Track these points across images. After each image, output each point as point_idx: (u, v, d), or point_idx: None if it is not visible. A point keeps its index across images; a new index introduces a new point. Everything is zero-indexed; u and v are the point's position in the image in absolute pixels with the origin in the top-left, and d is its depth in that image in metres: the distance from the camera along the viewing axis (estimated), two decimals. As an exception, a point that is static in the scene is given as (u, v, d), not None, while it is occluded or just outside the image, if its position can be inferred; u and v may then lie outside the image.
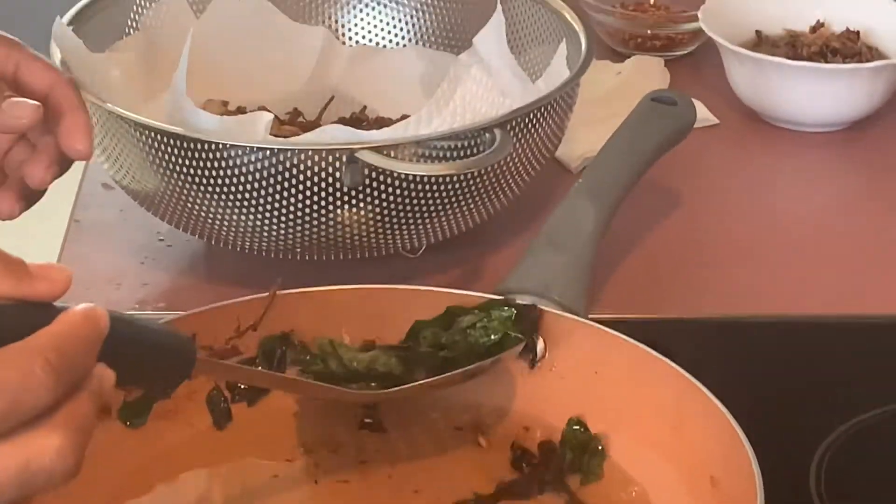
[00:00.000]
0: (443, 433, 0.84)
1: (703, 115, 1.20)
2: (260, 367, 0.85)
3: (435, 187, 0.95)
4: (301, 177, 0.92)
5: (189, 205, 0.96)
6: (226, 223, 0.96)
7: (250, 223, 0.95)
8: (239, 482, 0.81)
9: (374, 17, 1.19)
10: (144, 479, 0.80)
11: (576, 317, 0.85)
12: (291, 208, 0.94)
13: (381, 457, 0.83)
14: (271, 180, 0.93)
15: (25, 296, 0.59)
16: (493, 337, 0.84)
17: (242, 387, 0.85)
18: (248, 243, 0.97)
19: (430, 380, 0.82)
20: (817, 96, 1.18)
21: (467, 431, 0.84)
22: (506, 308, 0.84)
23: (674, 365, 0.81)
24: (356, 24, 1.19)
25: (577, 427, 0.82)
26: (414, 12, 1.18)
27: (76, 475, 0.58)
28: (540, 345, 0.85)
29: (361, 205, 0.94)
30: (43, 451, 0.57)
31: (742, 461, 0.74)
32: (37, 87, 0.82)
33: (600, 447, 0.82)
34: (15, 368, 0.56)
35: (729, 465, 0.76)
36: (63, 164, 0.84)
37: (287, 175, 0.92)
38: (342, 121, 1.12)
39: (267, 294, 0.86)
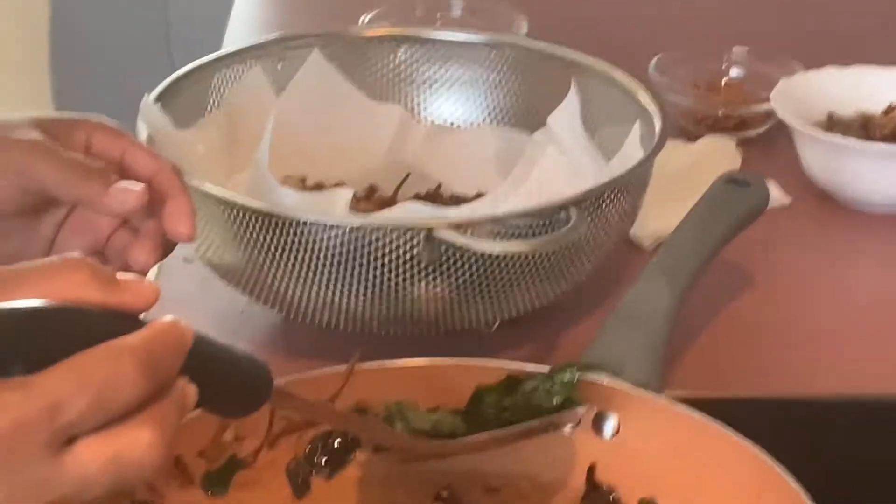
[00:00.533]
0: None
1: (776, 195, 1.21)
2: (338, 440, 0.86)
3: (510, 264, 0.96)
4: (379, 253, 0.94)
5: (269, 279, 0.98)
6: (304, 297, 0.98)
7: (328, 298, 0.97)
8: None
9: (450, 97, 1.20)
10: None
11: (651, 393, 0.86)
12: (369, 284, 0.95)
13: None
14: (350, 256, 0.94)
15: (115, 305, 0.62)
16: (555, 400, 0.84)
17: (323, 459, 0.86)
18: (325, 317, 0.99)
19: (495, 432, 0.82)
20: (890, 178, 1.19)
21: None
22: (569, 371, 0.85)
23: (751, 444, 0.81)
24: (432, 103, 1.21)
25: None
26: (489, 91, 1.20)
27: (164, 469, 0.61)
28: (614, 420, 0.86)
29: (438, 281, 0.95)
30: (133, 443, 0.60)
31: (817, 542, 0.74)
32: (142, 173, 0.84)
33: (675, 526, 0.82)
34: (106, 365, 0.59)
35: (804, 546, 0.76)
36: (166, 247, 0.86)
37: (365, 251, 0.94)
38: (418, 197, 1.13)
39: (346, 367, 0.87)
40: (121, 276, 0.63)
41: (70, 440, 0.59)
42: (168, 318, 0.63)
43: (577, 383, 0.84)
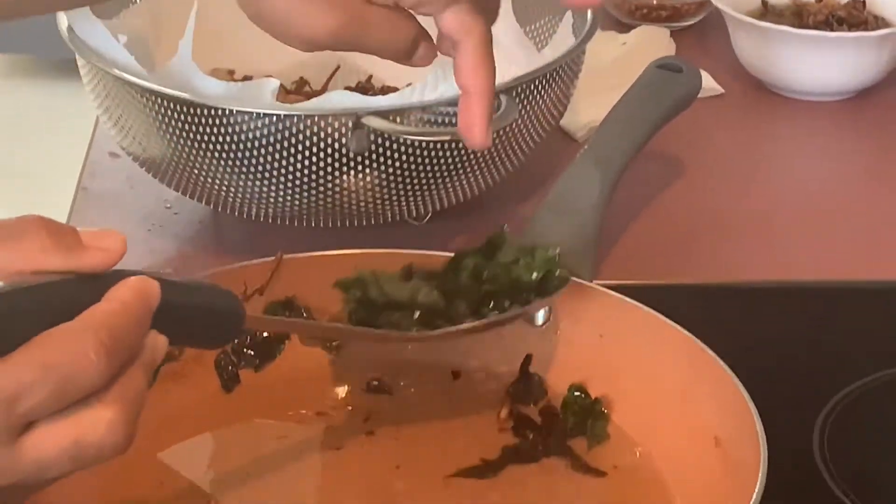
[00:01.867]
0: (448, 398, 0.85)
1: (709, 84, 1.20)
2: (265, 333, 0.85)
3: (440, 153, 0.95)
4: (307, 143, 0.93)
5: (195, 171, 0.96)
6: (232, 189, 0.97)
7: (256, 189, 0.96)
8: (247, 444, 0.82)
9: (380, -13, 1.18)
10: (153, 441, 0.80)
11: (582, 280, 0.86)
12: (297, 174, 0.94)
13: (387, 420, 0.83)
14: (277, 146, 0.93)
15: (77, 268, 0.59)
16: (534, 275, 0.82)
17: (251, 353, 0.85)
18: (254, 210, 0.98)
19: (483, 321, 0.81)
20: (823, 65, 1.19)
21: (468, 397, 0.84)
22: (550, 248, 0.83)
23: (681, 328, 0.81)
24: (362, -6, 1.19)
25: (578, 393, 0.83)
26: (420, -18, 1.18)
27: (127, 448, 0.59)
28: (545, 308, 0.85)
29: (367, 171, 0.94)
30: (95, 426, 0.58)
31: (746, 423, 0.74)
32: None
33: (604, 410, 0.82)
34: (67, 351, 0.57)
35: (733, 427, 0.76)
36: None
37: (293, 141, 0.92)
38: (348, 90, 1.12)
39: (273, 259, 0.86)
40: (83, 232, 0.60)
41: (29, 425, 0.57)
42: (133, 280, 0.60)
43: (558, 259, 0.83)
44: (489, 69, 0.74)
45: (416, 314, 0.81)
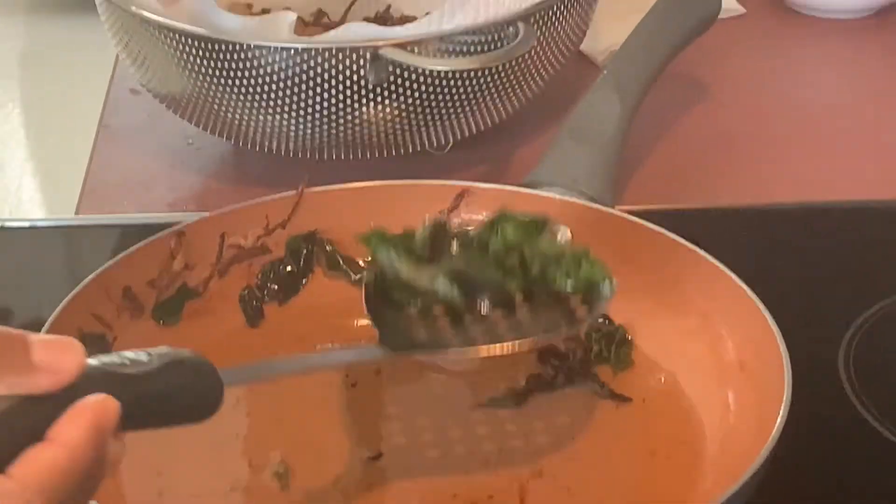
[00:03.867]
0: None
1: (729, 4, 1.19)
2: (289, 267, 0.86)
3: (459, 82, 0.95)
4: (325, 75, 0.92)
5: (215, 106, 0.96)
6: (252, 124, 0.96)
7: (276, 123, 0.96)
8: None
9: (398, -85, 1.18)
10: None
11: (602, 207, 0.86)
12: (317, 107, 0.94)
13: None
14: (296, 79, 0.93)
15: (24, 393, 0.52)
16: (570, 286, 0.75)
17: (275, 287, 0.86)
18: (274, 144, 0.98)
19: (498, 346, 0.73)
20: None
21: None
22: (598, 267, 0.75)
23: (702, 252, 0.81)
24: (378, -77, 1.18)
25: (602, 320, 0.83)
26: None
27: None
28: (567, 234, 0.85)
29: (386, 102, 0.94)
30: None
31: (770, 345, 0.75)
32: None
33: (628, 336, 0.82)
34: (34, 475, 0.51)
35: (758, 349, 0.76)
36: None
37: (312, 74, 0.92)
38: (367, 20, 1.11)
39: (295, 192, 0.87)
40: (36, 343, 0.53)
41: None
42: (85, 415, 0.52)
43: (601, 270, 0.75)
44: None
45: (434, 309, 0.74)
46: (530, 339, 0.73)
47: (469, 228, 0.77)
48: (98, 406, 0.53)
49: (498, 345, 0.73)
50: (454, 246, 0.76)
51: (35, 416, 0.52)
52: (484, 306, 0.74)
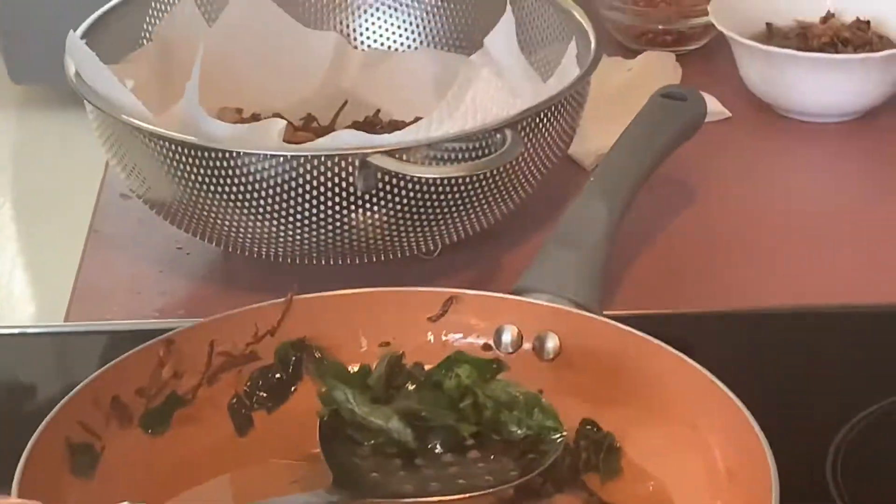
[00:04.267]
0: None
1: (716, 108, 1.21)
2: (278, 374, 0.86)
3: (448, 189, 0.96)
4: (315, 182, 0.93)
5: (205, 213, 0.97)
6: (242, 230, 0.97)
7: (266, 229, 0.96)
8: (262, 486, 0.82)
9: (385, 21, 1.19)
10: (168, 486, 0.81)
11: (590, 314, 0.86)
12: (306, 213, 0.94)
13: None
14: (285, 186, 0.93)
15: None
16: (522, 431, 0.79)
17: (264, 395, 0.86)
18: (264, 249, 0.98)
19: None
20: (829, 87, 1.19)
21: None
22: (550, 416, 0.79)
23: (689, 360, 0.81)
24: (367, 29, 1.19)
25: (590, 427, 0.83)
26: (424, 15, 1.19)
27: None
28: (555, 342, 0.86)
29: (375, 208, 0.95)
30: None
31: (758, 455, 0.75)
32: None
33: (616, 444, 0.82)
34: None
35: (745, 458, 0.76)
36: None
37: (300, 181, 0.93)
38: (356, 125, 1.12)
39: (283, 300, 0.87)
40: None
41: None
42: None
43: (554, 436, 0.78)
44: None
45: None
46: (483, 490, 0.76)
47: (425, 366, 0.81)
48: None
49: (450, 497, 0.75)
50: (408, 385, 0.80)
51: None
52: (437, 448, 0.78)
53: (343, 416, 0.80)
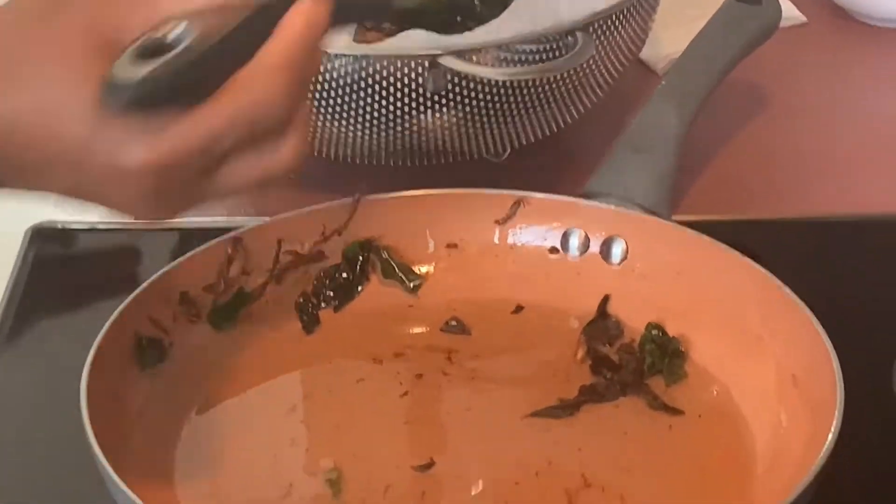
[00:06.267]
0: (525, 339, 0.85)
1: (791, 13, 1.19)
2: (344, 273, 0.86)
3: (517, 91, 0.95)
4: (384, 83, 0.93)
5: (275, 112, 0.97)
6: (311, 130, 0.97)
7: (334, 129, 0.96)
8: (328, 385, 0.83)
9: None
10: (234, 383, 0.81)
11: (659, 218, 0.86)
12: (375, 114, 0.94)
13: (465, 361, 0.83)
14: (354, 86, 0.93)
15: None
16: None
17: (331, 294, 0.86)
18: (332, 150, 0.98)
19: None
20: (909, -9, 1.17)
21: (545, 338, 0.85)
22: None
23: (758, 266, 0.81)
24: (440, -72, 1.18)
25: (656, 331, 0.83)
26: (499, -85, 1.17)
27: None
28: (622, 246, 0.85)
29: (444, 110, 0.94)
30: (280, 156, 0.64)
31: (824, 362, 0.74)
32: None
33: (681, 349, 0.82)
34: (253, 97, 0.62)
35: (810, 364, 0.76)
36: None
37: (370, 81, 0.93)
38: (426, 25, 1.11)
39: (351, 200, 0.87)
40: None
41: (223, 158, 0.63)
42: (301, 9, 0.64)
43: None
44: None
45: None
46: None
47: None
48: (310, 6, 0.64)
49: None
50: None
51: (263, 24, 0.63)
52: None
53: None
